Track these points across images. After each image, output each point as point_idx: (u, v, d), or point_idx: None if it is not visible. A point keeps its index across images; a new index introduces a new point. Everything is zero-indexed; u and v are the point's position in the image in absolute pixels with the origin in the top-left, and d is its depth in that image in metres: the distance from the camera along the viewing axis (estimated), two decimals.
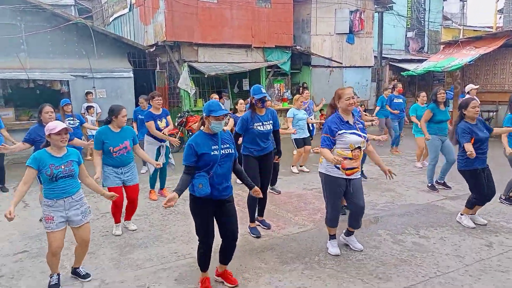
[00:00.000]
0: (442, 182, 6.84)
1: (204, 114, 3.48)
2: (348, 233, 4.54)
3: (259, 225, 5.14)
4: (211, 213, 3.51)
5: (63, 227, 3.60)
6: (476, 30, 20.80)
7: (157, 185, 6.68)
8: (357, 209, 4.25)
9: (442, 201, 6.18)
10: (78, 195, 3.67)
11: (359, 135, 4.06)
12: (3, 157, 7.42)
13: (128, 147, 4.89)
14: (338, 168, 4.07)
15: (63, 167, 3.53)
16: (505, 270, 3.97)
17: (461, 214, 5.19)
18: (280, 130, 5.20)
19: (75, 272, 3.91)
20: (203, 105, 9.41)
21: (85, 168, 3.82)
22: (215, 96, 8.59)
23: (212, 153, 3.38)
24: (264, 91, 4.82)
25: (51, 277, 3.75)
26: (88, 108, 10.26)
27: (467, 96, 9.24)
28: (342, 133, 4.01)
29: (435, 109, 6.62)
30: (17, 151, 5.62)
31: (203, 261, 3.61)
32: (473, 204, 5.06)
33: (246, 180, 3.79)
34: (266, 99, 4.83)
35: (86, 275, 3.88)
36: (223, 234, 3.60)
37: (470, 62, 13.08)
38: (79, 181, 3.75)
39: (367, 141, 4.22)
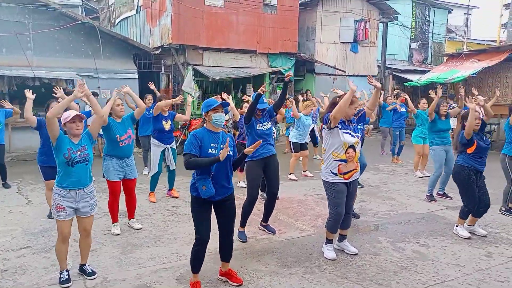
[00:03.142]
0: (442, 193, 6.88)
1: (203, 113, 3.56)
2: (341, 238, 4.60)
3: (264, 230, 5.17)
4: (210, 212, 3.57)
5: (72, 216, 3.75)
6: (480, 44, 20.90)
7: (166, 186, 6.79)
8: (347, 208, 4.34)
9: (442, 211, 6.21)
10: (89, 188, 3.80)
11: (352, 136, 4.18)
12: (3, 155, 7.44)
13: (132, 136, 5.07)
14: (335, 174, 4.17)
15: (79, 152, 3.68)
16: (504, 280, 3.99)
17: (456, 226, 5.23)
18: None
19: (82, 270, 3.96)
20: None
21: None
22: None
23: (208, 151, 3.42)
24: (265, 101, 4.98)
25: (61, 274, 3.80)
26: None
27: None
28: (338, 129, 4.11)
29: (436, 119, 6.67)
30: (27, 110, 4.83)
31: (196, 259, 3.59)
32: (466, 213, 5.10)
33: (238, 160, 3.66)
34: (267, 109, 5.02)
35: (92, 273, 3.92)
36: (221, 230, 3.69)
37: (473, 74, 13.16)
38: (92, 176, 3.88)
39: (362, 141, 4.34)
